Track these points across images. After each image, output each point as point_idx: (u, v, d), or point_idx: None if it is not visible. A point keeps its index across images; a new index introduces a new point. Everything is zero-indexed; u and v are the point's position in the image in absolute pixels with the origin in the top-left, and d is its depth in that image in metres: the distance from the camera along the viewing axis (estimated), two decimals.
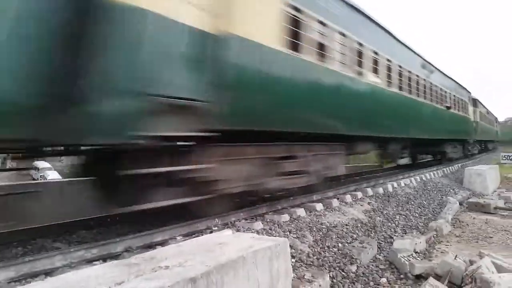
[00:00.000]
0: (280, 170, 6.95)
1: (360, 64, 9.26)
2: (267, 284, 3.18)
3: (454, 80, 20.98)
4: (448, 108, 17.80)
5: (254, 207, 6.68)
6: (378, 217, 7.47)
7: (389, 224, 7.30)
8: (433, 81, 15.98)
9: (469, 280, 4.24)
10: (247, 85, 5.78)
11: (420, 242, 6.18)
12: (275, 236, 5.24)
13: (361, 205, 8.03)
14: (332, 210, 7.21)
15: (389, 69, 11.06)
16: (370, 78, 9.87)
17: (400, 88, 11.99)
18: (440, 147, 18.60)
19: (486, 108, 37.10)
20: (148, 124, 4.20)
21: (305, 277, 4.09)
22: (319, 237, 5.64)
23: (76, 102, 3.65)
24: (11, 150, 5.19)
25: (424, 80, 14.71)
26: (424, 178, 13.12)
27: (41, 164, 39.58)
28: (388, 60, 11.04)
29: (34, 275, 3.68)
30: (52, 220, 6.31)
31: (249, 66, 5.79)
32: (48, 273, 3.74)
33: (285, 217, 6.21)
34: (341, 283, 4.50)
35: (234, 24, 5.36)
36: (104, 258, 4.14)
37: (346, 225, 6.50)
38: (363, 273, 4.93)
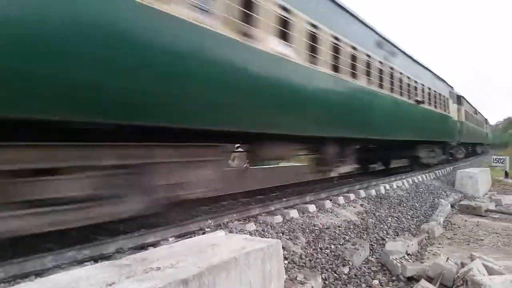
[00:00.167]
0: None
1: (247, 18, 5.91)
2: (260, 286, 3.17)
3: (430, 70, 17.31)
4: (419, 102, 14.57)
5: (246, 208, 6.67)
6: (371, 219, 7.49)
7: (381, 226, 7.33)
8: (397, 67, 12.58)
9: (461, 282, 4.26)
10: None
11: (412, 244, 6.20)
12: (268, 237, 5.23)
13: (353, 207, 8.05)
14: (325, 212, 7.22)
15: (314, 39, 7.71)
16: (273, 47, 6.48)
17: (336, 69, 8.62)
18: (409, 150, 15.64)
19: (473, 107, 33.42)
20: None
21: (298, 278, 4.09)
22: (311, 239, 5.65)
23: None
24: None
25: (381, 63, 11.30)
26: (416, 181, 13.18)
27: None
28: (314, 26, 7.69)
29: (24, 276, 3.63)
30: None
31: None
32: (39, 274, 3.69)
33: (278, 219, 6.21)
34: (333, 284, 4.51)
35: None
36: (96, 259, 4.11)
37: (339, 226, 6.51)
38: (355, 275, 4.93)
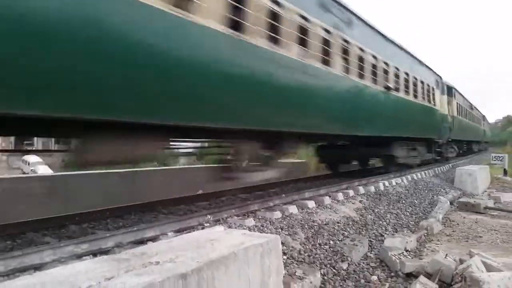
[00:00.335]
0: None
1: None
2: (258, 281, 3.17)
3: (409, 53, 14.11)
4: (388, 89, 11.38)
5: (246, 203, 6.67)
6: (370, 215, 7.50)
7: (380, 222, 7.33)
8: (355, 41, 9.52)
9: (459, 278, 4.27)
10: None
11: (411, 241, 6.21)
12: (267, 233, 5.23)
13: (352, 203, 8.05)
14: (324, 208, 7.22)
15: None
16: None
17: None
18: (383, 148, 12.97)
19: (468, 101, 29.70)
20: None
21: (296, 274, 4.10)
22: (310, 235, 5.65)
23: None
24: None
25: (328, 32, 8.19)
26: (415, 178, 13.19)
27: (32, 158, 39.31)
28: None
29: (23, 270, 3.63)
30: (42, 214, 6.26)
31: None
32: (37, 267, 3.70)
33: (277, 214, 6.21)
34: (332, 280, 4.51)
35: None
36: (94, 253, 4.11)
37: (338, 222, 6.52)
38: (354, 271, 4.94)
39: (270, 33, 6.36)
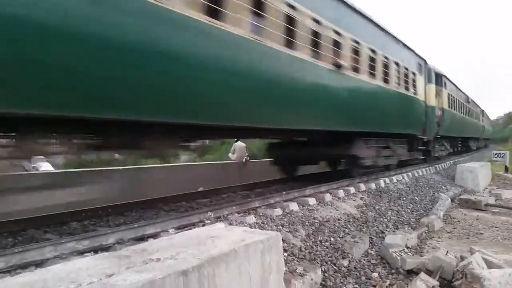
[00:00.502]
0: None
1: None
2: (259, 278, 3.17)
3: (377, 24, 10.92)
4: (338, 67, 8.50)
5: (246, 200, 6.67)
6: (370, 212, 7.50)
7: (381, 219, 7.33)
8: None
9: (460, 275, 4.27)
10: None
11: (412, 238, 6.22)
12: (267, 230, 5.24)
13: (353, 200, 8.05)
14: (324, 205, 7.22)
15: None
16: None
17: None
18: (342, 147, 10.18)
19: (464, 93, 25.89)
20: None
21: (297, 270, 4.10)
22: (311, 231, 5.65)
23: None
24: None
25: None
26: (416, 175, 13.18)
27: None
28: None
29: (24, 266, 3.64)
30: (43, 211, 6.27)
31: None
32: (38, 264, 3.70)
33: (278, 211, 6.21)
34: (332, 277, 4.52)
35: None
36: (95, 250, 4.12)
37: (338, 219, 6.52)
38: (355, 268, 4.95)
39: None
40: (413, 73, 13.98)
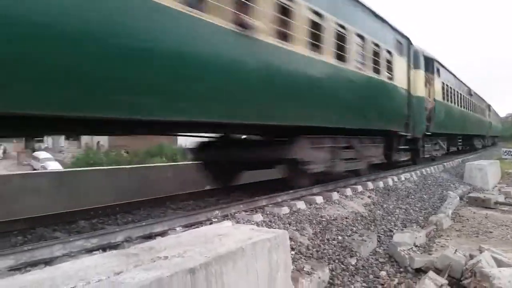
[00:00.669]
0: None
1: None
2: (266, 276, 3.17)
3: None
4: (244, 27, 5.69)
5: (254, 199, 6.67)
6: (378, 211, 7.47)
7: (389, 217, 7.30)
8: None
9: (469, 274, 4.24)
10: None
11: (420, 236, 6.18)
12: (275, 228, 5.23)
13: (361, 199, 8.02)
14: (332, 203, 7.20)
15: None
16: None
17: None
18: (275, 149, 7.84)
19: (464, 84, 22.57)
20: None
21: (305, 269, 4.09)
22: (318, 230, 5.64)
23: None
24: None
25: None
26: (424, 173, 13.10)
27: (42, 154, 39.75)
28: None
29: (33, 264, 3.67)
30: (52, 210, 6.32)
31: None
32: (48, 262, 3.73)
33: (285, 210, 6.20)
34: (340, 275, 4.50)
35: None
36: (104, 248, 4.14)
37: (346, 218, 6.50)
38: (362, 266, 4.93)
39: None
40: (389, 52, 10.79)
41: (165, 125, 6.61)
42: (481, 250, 5.07)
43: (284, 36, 6.68)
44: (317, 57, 7.56)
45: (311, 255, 4.70)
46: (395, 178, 10.76)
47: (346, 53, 8.47)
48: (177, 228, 4.94)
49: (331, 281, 4.32)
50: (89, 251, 4.05)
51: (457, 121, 19.79)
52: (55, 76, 3.82)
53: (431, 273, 4.41)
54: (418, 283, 4.45)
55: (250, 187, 8.88)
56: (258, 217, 5.68)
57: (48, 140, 50.64)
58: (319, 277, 4.09)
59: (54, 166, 33.14)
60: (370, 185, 9.27)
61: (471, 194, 10.67)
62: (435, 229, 7.07)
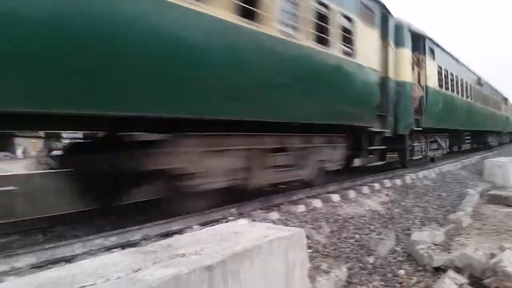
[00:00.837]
0: None
1: None
2: (283, 274, 3.16)
3: None
4: None
5: (269, 197, 6.67)
6: (396, 209, 7.38)
7: (407, 215, 7.21)
8: None
9: (491, 273, 4.15)
10: None
11: (439, 234, 6.09)
12: (291, 226, 5.22)
13: (378, 197, 7.95)
14: (349, 201, 7.15)
15: None
16: None
17: None
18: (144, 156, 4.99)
19: (471, 70, 19.38)
20: None
21: (322, 267, 4.07)
22: (335, 228, 5.60)
23: None
24: None
25: None
26: (443, 170, 12.89)
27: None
28: None
29: (55, 262, 3.75)
30: (71, 208, 6.42)
31: None
32: (68, 260, 3.80)
33: (301, 208, 6.19)
34: (358, 274, 4.47)
35: None
36: (123, 246, 4.20)
37: (363, 216, 6.44)
38: (380, 265, 4.88)
39: None
40: (347, 19, 7.98)
41: None
42: (502, 249, 4.96)
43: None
44: (195, 7, 4.79)
45: (328, 254, 4.68)
46: (413, 176, 10.63)
47: (258, 9, 5.75)
48: (194, 226, 4.98)
49: (348, 279, 4.29)
50: (108, 249, 4.11)
51: (461, 114, 16.68)
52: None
53: (451, 272, 4.34)
54: (438, 282, 4.39)
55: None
56: (274, 215, 5.68)
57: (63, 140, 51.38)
58: (337, 276, 4.07)
59: None
60: (387, 183, 9.18)
61: (491, 192, 10.44)
62: (454, 227, 6.95)
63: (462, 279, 4.20)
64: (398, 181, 9.54)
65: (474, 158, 17.67)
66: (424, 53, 12.46)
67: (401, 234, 6.16)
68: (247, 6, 5.55)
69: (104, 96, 4.07)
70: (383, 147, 10.05)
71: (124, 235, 4.43)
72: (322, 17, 7.19)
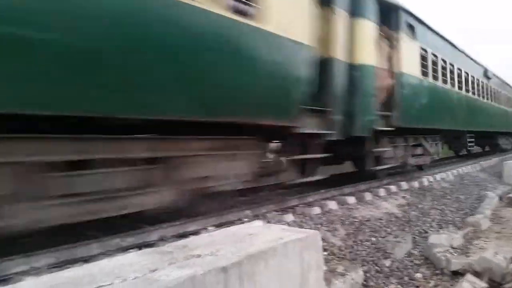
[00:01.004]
0: None
1: None
2: (298, 276, 3.15)
3: None
4: None
5: (284, 199, 6.65)
6: (413, 211, 7.29)
7: (424, 218, 7.11)
8: None
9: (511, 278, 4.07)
10: None
11: (457, 238, 5.99)
12: (306, 228, 5.20)
13: (395, 199, 7.86)
14: (364, 204, 7.09)
15: None
16: None
17: None
18: None
19: (475, 61, 16.52)
20: None
21: (338, 270, 4.05)
22: (351, 231, 5.56)
23: None
24: None
25: None
26: (461, 172, 12.68)
27: None
28: None
29: (73, 262, 3.81)
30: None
31: None
32: (86, 260, 3.86)
33: (316, 210, 6.16)
34: (374, 277, 4.43)
35: None
36: (139, 246, 4.24)
37: (380, 219, 6.38)
38: (397, 268, 4.83)
39: None
40: None
41: None
42: None
43: None
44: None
45: (343, 256, 4.65)
46: (431, 178, 10.48)
47: None
48: (209, 228, 5.00)
49: (365, 282, 4.26)
50: (125, 249, 4.16)
51: (460, 111, 13.62)
52: None
53: (469, 276, 4.27)
54: (456, 286, 4.32)
55: None
56: (289, 217, 5.67)
57: None
58: (352, 279, 4.04)
59: None
60: (404, 185, 9.07)
61: (511, 194, 10.23)
62: (472, 231, 6.83)
63: (481, 284, 4.13)
64: (415, 184, 9.42)
65: (493, 160, 17.31)
66: (398, 29, 9.28)
67: (418, 237, 6.09)
68: None
69: None
70: (320, 155, 6.90)
71: (140, 236, 4.48)
72: None
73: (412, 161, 10.58)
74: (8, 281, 3.24)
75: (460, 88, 13.79)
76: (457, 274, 4.73)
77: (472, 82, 15.47)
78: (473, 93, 15.56)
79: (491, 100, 18.56)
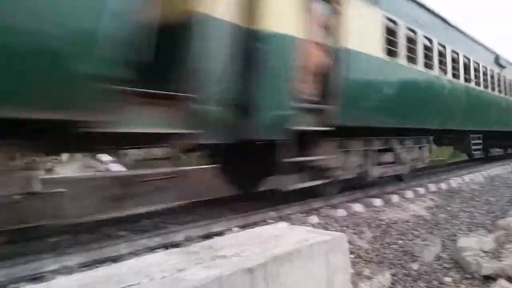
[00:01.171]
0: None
1: None
2: (324, 278, 3.13)
3: None
4: None
5: (309, 201, 6.61)
6: (441, 214, 7.12)
7: (453, 221, 6.93)
8: None
9: None
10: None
11: (488, 241, 5.79)
12: (331, 230, 5.16)
13: (423, 201, 7.70)
14: (391, 206, 6.98)
15: None
16: None
17: None
18: None
19: (485, 46, 13.71)
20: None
21: (364, 273, 4.00)
22: (378, 233, 5.48)
23: None
24: None
25: None
26: (491, 174, 12.30)
27: (104, 157, 41.86)
28: None
29: (102, 261, 3.90)
30: (116, 210, 6.65)
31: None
32: (114, 259, 3.94)
33: (341, 212, 6.10)
34: (402, 280, 4.35)
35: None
36: (166, 246, 4.30)
37: (407, 221, 6.26)
38: (425, 271, 4.72)
39: None
40: None
41: None
42: None
43: None
44: None
45: (370, 259, 4.58)
46: (459, 180, 10.22)
47: None
48: (234, 228, 5.03)
49: (392, 286, 4.19)
50: (153, 249, 4.23)
51: (459, 107, 10.93)
52: None
53: (502, 281, 4.13)
54: None
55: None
56: (314, 219, 5.64)
57: None
58: (379, 282, 3.98)
59: (117, 168, 34.69)
60: (432, 187, 8.88)
61: None
62: (505, 234, 6.60)
63: None
64: (443, 185, 9.21)
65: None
66: None
67: (446, 240, 5.93)
68: None
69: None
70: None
71: (167, 236, 4.55)
72: None
73: (375, 172, 7.93)
74: (41, 279, 3.35)
75: (456, 76, 10.81)
76: (488, 279, 4.58)
77: (476, 70, 12.44)
78: (478, 84, 12.44)
79: (507, 94, 15.32)
